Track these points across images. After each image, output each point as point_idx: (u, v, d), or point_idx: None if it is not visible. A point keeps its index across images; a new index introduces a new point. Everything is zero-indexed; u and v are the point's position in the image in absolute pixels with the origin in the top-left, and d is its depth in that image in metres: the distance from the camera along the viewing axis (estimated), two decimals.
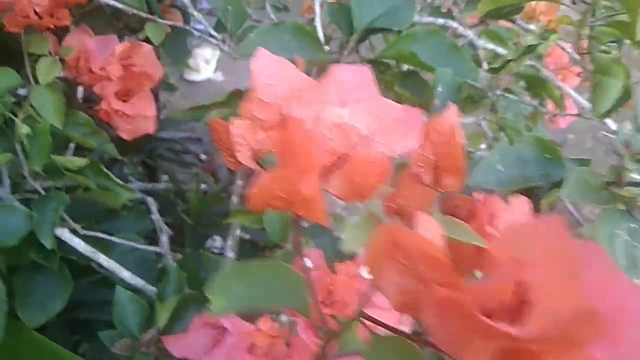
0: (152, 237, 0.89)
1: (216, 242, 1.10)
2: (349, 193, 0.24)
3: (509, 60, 0.45)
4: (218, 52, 2.43)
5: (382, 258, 0.18)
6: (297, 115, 0.24)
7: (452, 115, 0.25)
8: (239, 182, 0.84)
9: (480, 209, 0.24)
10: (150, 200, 0.73)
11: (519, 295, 0.18)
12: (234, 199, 0.80)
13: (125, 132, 0.62)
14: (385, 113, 0.23)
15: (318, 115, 0.24)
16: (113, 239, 0.59)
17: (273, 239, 0.55)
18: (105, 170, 0.55)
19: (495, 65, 0.54)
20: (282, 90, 0.26)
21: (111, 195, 0.57)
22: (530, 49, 0.43)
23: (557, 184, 0.43)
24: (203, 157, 1.37)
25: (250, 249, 1.05)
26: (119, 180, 0.56)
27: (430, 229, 0.18)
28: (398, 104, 0.24)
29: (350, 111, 0.24)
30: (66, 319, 0.75)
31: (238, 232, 0.73)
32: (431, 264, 0.17)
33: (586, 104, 0.66)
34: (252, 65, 0.25)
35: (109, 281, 0.71)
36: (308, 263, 0.52)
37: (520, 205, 0.25)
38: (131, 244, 0.60)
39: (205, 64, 2.33)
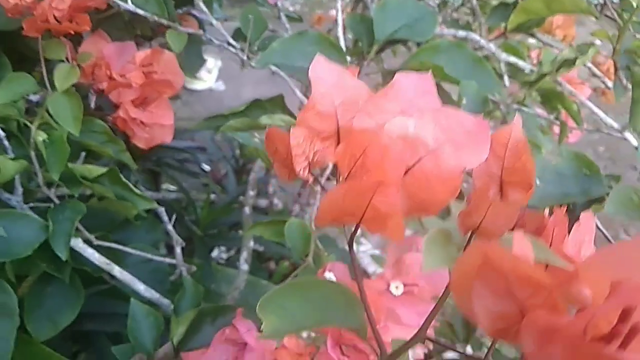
0: (159, 248, 0.87)
1: (222, 252, 1.09)
2: (413, 208, 0.23)
3: (544, 75, 0.45)
4: (220, 62, 2.43)
5: (472, 280, 0.17)
6: (359, 125, 0.23)
7: (518, 127, 0.24)
8: (251, 192, 0.83)
9: (549, 226, 0.23)
10: (162, 210, 0.71)
11: (622, 320, 0.17)
12: (247, 209, 0.79)
13: (142, 141, 0.61)
14: (454, 124, 0.22)
15: (381, 126, 0.23)
16: (127, 249, 0.57)
17: (294, 253, 0.53)
18: (123, 179, 0.54)
19: (531, 79, 0.53)
20: (340, 100, 0.24)
21: (127, 204, 0.56)
22: (568, 63, 0.42)
23: (595, 200, 0.42)
24: (206, 167, 1.35)
25: (256, 260, 1.04)
26: (136, 189, 0.55)
27: (526, 250, 0.17)
28: (467, 114, 0.23)
29: (416, 121, 0.23)
30: (70, 330, 0.73)
31: (252, 244, 0.72)
32: (532, 286, 0.16)
33: (607, 119, 0.66)
34: (311, 73, 0.24)
35: (115, 292, 0.70)
36: (331, 277, 0.51)
37: (588, 221, 0.24)
38: (146, 255, 0.58)
39: (207, 73, 2.32)
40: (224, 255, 1.09)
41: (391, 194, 0.19)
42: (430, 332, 0.50)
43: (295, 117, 0.61)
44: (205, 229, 0.88)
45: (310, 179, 0.25)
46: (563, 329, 0.16)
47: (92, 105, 0.74)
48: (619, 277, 0.17)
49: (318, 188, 0.61)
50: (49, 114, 0.56)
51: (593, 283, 0.18)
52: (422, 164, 0.22)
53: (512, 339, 0.17)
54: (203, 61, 0.77)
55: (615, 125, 0.64)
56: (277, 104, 0.60)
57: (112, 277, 0.62)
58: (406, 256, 0.49)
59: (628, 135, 0.65)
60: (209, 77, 2.38)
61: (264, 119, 0.58)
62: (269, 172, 1.02)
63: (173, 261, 0.61)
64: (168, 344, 0.53)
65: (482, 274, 0.17)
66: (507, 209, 0.21)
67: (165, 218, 0.69)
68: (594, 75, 0.69)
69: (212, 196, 0.93)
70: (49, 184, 0.56)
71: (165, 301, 0.59)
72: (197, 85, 2.34)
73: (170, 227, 0.66)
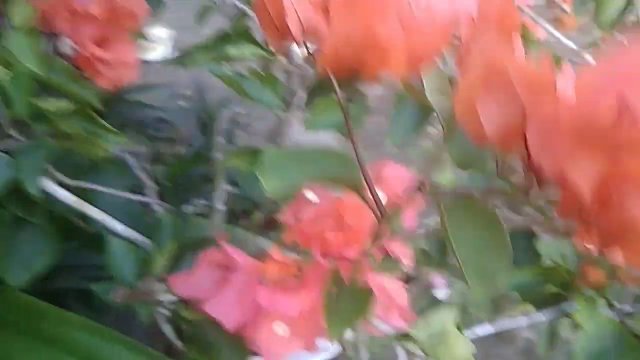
0: None
1: (191, 207, 1.08)
2: (406, 59, 0.23)
3: None
4: (174, 32, 2.37)
5: (477, 91, 0.18)
6: None
7: None
8: (220, 139, 0.82)
9: None
10: (129, 157, 0.70)
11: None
12: (218, 155, 0.78)
13: (107, 81, 0.59)
14: None
15: None
16: (102, 188, 0.56)
17: None
18: (94, 114, 0.53)
19: None
20: None
21: (98, 143, 0.54)
22: None
23: None
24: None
25: (227, 216, 1.04)
26: (109, 125, 0.53)
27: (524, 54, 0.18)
28: None
29: None
30: (41, 289, 0.71)
31: (224, 185, 0.72)
32: (536, 87, 0.17)
33: (566, 41, 0.68)
34: None
35: (89, 244, 0.68)
36: (312, 196, 0.51)
37: (568, 70, 0.25)
38: (120, 194, 0.57)
39: (161, 45, 2.26)
40: (192, 210, 1.08)
41: (392, 18, 0.20)
42: (407, 261, 0.51)
43: (262, 48, 0.61)
44: (174, 180, 0.87)
45: (303, 46, 0.25)
46: (568, 114, 0.16)
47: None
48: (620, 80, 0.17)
49: (290, 121, 0.61)
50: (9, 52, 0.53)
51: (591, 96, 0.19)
52: (413, 13, 0.23)
53: (517, 143, 0.18)
54: (162, 4, 0.75)
55: (574, 46, 0.67)
56: (243, 35, 0.59)
57: (86, 222, 0.61)
58: (384, 171, 0.50)
59: (587, 56, 0.68)
60: (163, 48, 2.33)
61: (232, 50, 0.58)
62: (234, 123, 1.02)
63: (148, 200, 0.61)
64: (150, 277, 0.53)
65: (487, 82, 0.17)
66: (503, 36, 0.21)
67: (134, 162, 0.68)
68: (552, 1, 0.71)
69: (180, 148, 0.92)
70: (13, 124, 0.55)
71: (146, 241, 0.59)
72: (152, 56, 2.28)
73: (139, 170, 0.65)
